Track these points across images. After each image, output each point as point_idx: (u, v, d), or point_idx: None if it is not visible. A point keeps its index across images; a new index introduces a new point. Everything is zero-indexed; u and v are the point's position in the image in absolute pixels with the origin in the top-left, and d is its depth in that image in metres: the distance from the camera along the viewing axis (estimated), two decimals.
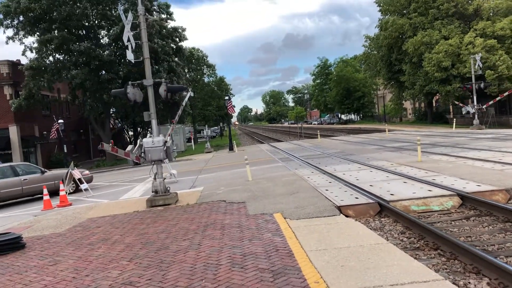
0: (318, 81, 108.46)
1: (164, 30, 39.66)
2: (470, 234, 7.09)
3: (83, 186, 16.81)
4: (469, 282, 5.22)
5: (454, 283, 5.03)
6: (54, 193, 16.52)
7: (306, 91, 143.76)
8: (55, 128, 32.03)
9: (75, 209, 13.19)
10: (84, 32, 38.04)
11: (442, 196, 9.17)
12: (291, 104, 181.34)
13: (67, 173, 16.86)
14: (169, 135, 12.44)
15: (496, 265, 5.24)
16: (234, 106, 37.04)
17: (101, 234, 9.12)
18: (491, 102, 34.69)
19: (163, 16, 41.95)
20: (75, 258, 7.41)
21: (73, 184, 17.87)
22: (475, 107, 34.29)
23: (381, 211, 8.94)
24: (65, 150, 33.42)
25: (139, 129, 51.80)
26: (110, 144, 14.29)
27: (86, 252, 7.73)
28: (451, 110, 53.65)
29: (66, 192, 15.50)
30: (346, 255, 5.96)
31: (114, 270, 6.46)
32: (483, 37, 38.64)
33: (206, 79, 71.18)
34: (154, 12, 40.77)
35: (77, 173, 16.73)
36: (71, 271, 6.65)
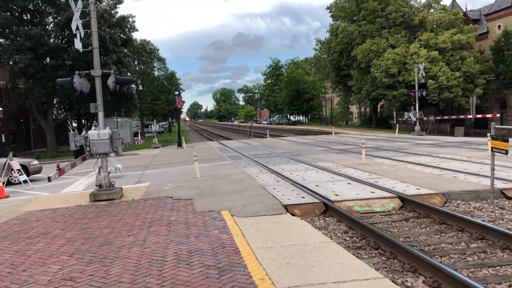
0: (269, 81, 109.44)
1: (114, 20, 38.38)
2: (408, 234, 7.43)
3: (22, 177, 16.04)
4: (407, 280, 5.48)
5: (393, 281, 5.26)
6: None
7: (256, 91, 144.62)
8: None
9: (12, 202, 12.55)
10: (28, 16, 36.18)
11: (384, 198, 9.54)
12: (242, 103, 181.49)
13: (5, 163, 16.03)
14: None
15: (431, 264, 5.51)
16: (183, 102, 36.58)
17: (40, 228, 8.75)
18: (431, 118, 38.01)
19: (111, 2, 40.48)
20: (12, 252, 7.07)
21: (20, 174, 16.92)
22: (417, 115, 36.16)
23: (326, 211, 9.17)
24: (3, 140, 31.68)
25: (83, 121, 50.03)
26: (57, 171, 14.04)
27: (23, 246, 7.39)
28: (394, 116, 55.83)
29: (4, 183, 14.72)
30: (292, 253, 6.07)
31: (53, 265, 6.22)
32: (427, 47, 40.62)
33: (156, 73, 69.90)
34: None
35: (16, 163, 15.94)
36: (6, 266, 6.33)
